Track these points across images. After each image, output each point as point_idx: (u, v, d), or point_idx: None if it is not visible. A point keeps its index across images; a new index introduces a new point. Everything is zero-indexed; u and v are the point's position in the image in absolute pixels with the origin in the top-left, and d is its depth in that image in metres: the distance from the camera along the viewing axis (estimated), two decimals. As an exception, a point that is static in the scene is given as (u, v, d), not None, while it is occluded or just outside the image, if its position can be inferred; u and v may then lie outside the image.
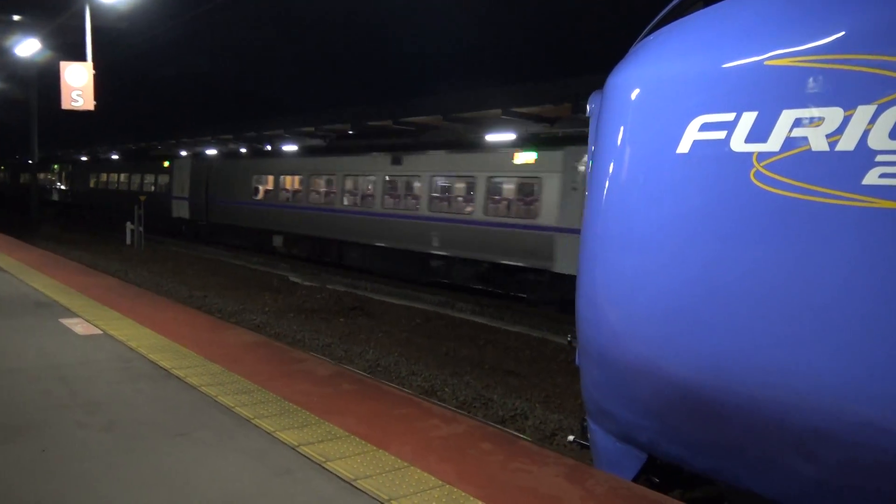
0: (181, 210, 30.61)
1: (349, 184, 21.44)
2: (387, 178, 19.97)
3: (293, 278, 19.54)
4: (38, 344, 5.91)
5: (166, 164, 31.57)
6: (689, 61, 3.45)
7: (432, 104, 20.12)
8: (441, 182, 18.58)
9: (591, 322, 3.96)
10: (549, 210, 15.20)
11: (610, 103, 4.02)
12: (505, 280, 16.77)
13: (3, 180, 61.00)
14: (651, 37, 3.88)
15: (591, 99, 4.71)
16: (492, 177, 17.07)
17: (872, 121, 2.72)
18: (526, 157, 16.26)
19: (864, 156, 2.73)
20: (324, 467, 3.52)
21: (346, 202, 21.54)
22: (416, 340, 11.83)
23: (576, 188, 14.59)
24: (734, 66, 3.20)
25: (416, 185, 19.01)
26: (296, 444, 3.82)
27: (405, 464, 3.61)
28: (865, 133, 2.73)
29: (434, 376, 9.24)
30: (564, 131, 17.71)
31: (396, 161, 19.68)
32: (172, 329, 6.81)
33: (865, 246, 2.74)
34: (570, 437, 4.87)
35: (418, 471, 3.52)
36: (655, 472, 4.03)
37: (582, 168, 14.55)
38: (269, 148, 27.96)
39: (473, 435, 4.11)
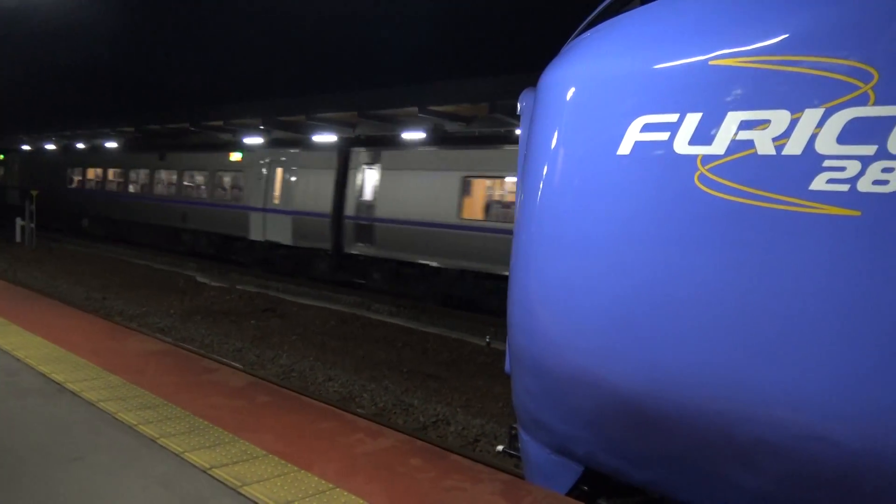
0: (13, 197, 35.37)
1: (133, 175, 26.79)
2: (155, 171, 25.49)
3: (201, 278, 18.70)
4: None
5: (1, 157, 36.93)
6: (630, 59, 3.33)
7: (347, 99, 19.76)
8: (188, 174, 24.04)
9: (526, 330, 3.79)
10: (247, 195, 20.79)
11: (543, 102, 3.86)
12: (230, 247, 21.88)
13: None
14: (588, 33, 3.75)
15: (521, 97, 4.55)
16: (217, 170, 22.52)
17: (820, 125, 2.65)
18: (236, 157, 21.91)
19: (811, 160, 2.66)
20: (240, 493, 3.21)
21: (131, 189, 26.91)
22: (332, 344, 11.46)
23: (261, 179, 20.28)
24: (678, 66, 3.09)
25: (173, 176, 24.61)
26: (207, 466, 3.47)
27: (330, 486, 3.33)
28: (813, 137, 2.66)
29: (352, 382, 8.92)
30: (277, 137, 22.60)
31: (162, 157, 25.28)
32: (67, 336, 6.24)
33: (812, 253, 2.66)
34: (499, 448, 4.70)
35: (345, 493, 3.25)
36: (585, 480, 3.90)
37: (264, 166, 20.42)
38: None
39: (402, 450, 3.87)
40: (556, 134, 3.68)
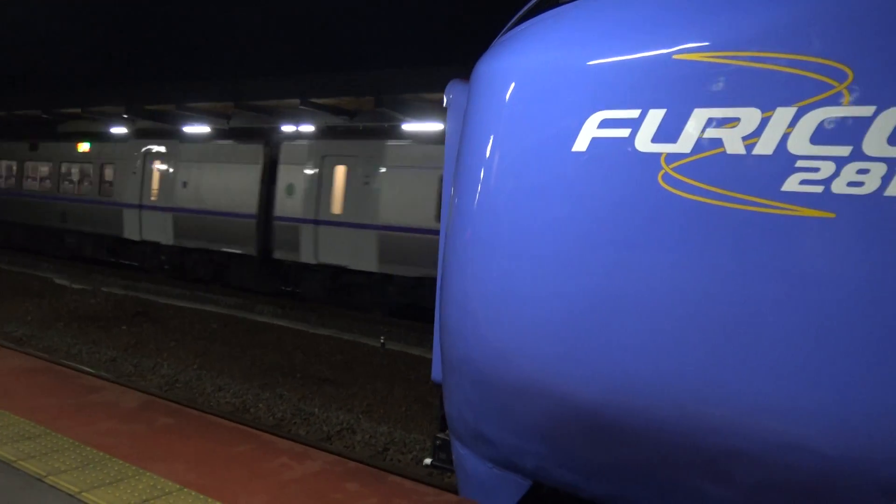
0: None
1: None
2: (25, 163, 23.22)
3: (59, 280, 17.11)
4: None
5: None
6: (584, 51, 3.14)
7: (225, 89, 18.76)
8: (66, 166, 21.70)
9: (464, 337, 3.53)
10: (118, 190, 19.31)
11: (479, 96, 3.62)
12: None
13: None
14: (531, 22, 3.54)
15: (448, 89, 4.30)
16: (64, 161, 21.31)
17: (792, 124, 2.57)
18: (84, 147, 20.80)
19: (783, 160, 2.58)
20: (157, 539, 2.75)
21: None
22: (216, 349, 10.74)
23: (135, 173, 18.89)
24: (639, 59, 2.94)
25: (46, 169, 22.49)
26: (113, 508, 2.98)
27: (262, 522, 2.94)
28: (785, 137, 2.58)
29: (244, 391, 8.35)
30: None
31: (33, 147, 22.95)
32: (-90, 355, 5.37)
33: (784, 256, 2.58)
34: (427, 461, 4.42)
35: (281, 530, 2.87)
36: (531, 496, 3.71)
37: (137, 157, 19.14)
38: None
39: (333, 473, 3.52)
40: (495, 130, 3.45)
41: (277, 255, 15.51)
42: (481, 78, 3.63)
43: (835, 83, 2.53)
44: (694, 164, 2.75)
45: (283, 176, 15.66)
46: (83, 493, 3.10)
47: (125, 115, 21.68)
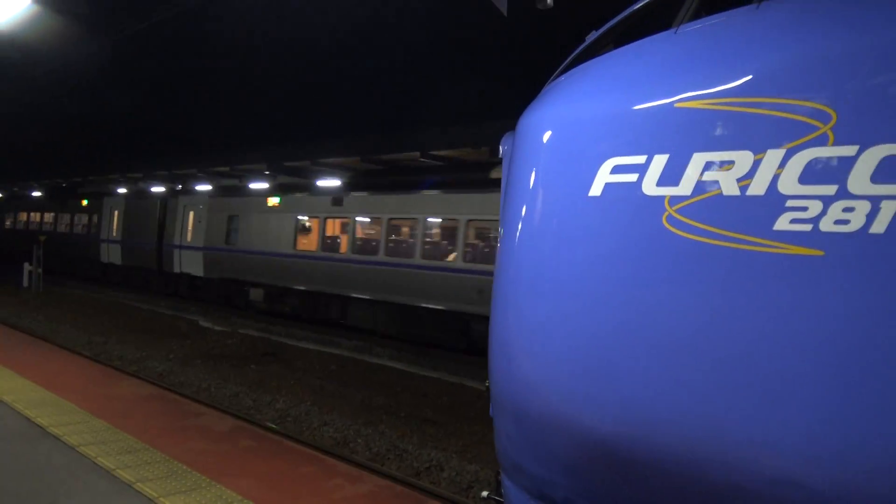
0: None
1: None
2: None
3: (203, 323, 18.72)
4: None
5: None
6: (600, 102, 3.38)
7: (349, 145, 20.06)
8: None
9: (503, 371, 3.77)
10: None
11: (521, 145, 3.92)
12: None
13: None
14: (562, 77, 3.81)
15: (503, 140, 4.61)
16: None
17: (782, 165, 2.67)
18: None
19: (774, 201, 2.68)
20: (210, 539, 3.16)
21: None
22: (330, 388, 11.39)
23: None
24: (645, 108, 3.14)
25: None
26: (181, 512, 3.44)
27: (303, 531, 3.29)
28: (775, 177, 2.68)
29: (347, 426, 8.84)
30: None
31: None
32: (58, 380, 6.25)
33: (778, 294, 2.66)
34: (484, 494, 4.62)
35: (317, 539, 3.20)
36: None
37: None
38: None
39: (380, 496, 3.82)
40: (531, 176, 3.72)
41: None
42: (522, 128, 3.93)
43: (820, 124, 2.61)
44: (694, 205, 2.89)
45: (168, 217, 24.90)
46: (160, 498, 3.59)
47: (266, 172, 23.64)
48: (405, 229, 17.66)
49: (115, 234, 28.26)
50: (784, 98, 2.70)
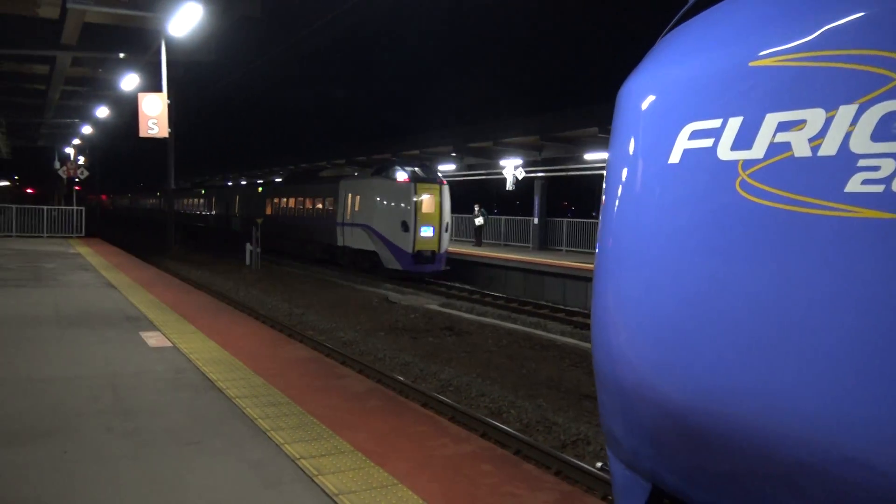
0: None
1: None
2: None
3: (393, 298, 19.93)
4: (109, 354, 6.36)
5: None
6: (682, 67, 3.28)
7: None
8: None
9: (600, 344, 3.79)
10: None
11: (620, 111, 3.87)
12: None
13: (159, 206, 64.55)
14: (659, 43, 3.71)
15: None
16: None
17: (854, 122, 2.47)
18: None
19: (846, 161, 2.49)
20: (314, 481, 3.57)
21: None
22: (498, 361, 11.72)
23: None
24: (721, 70, 3.01)
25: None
26: (297, 456, 3.89)
27: (395, 481, 3.59)
28: (847, 136, 2.49)
29: (503, 398, 9.10)
30: None
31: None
32: (237, 343, 7.13)
33: (851, 262, 2.47)
34: (598, 465, 4.66)
35: (404, 489, 3.49)
36: (655, 499, 3.76)
37: None
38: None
39: (479, 456, 4.02)
40: (623, 144, 3.68)
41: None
42: (623, 95, 3.88)
43: (894, 75, 2.36)
44: (766, 169, 2.74)
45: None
46: (285, 445, 4.08)
47: (453, 154, 24.55)
48: None
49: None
50: (857, 49, 2.48)
